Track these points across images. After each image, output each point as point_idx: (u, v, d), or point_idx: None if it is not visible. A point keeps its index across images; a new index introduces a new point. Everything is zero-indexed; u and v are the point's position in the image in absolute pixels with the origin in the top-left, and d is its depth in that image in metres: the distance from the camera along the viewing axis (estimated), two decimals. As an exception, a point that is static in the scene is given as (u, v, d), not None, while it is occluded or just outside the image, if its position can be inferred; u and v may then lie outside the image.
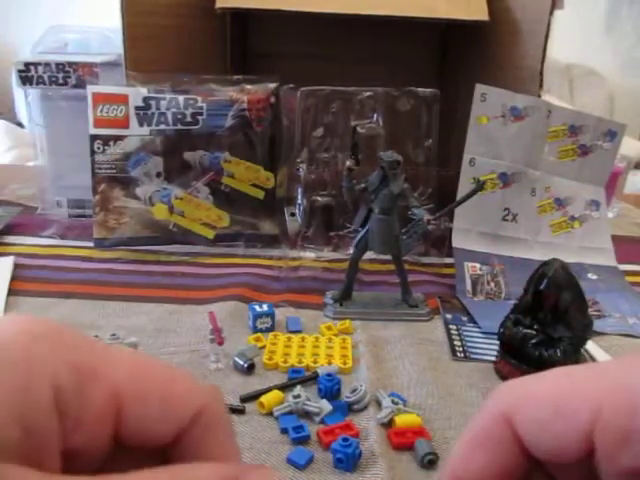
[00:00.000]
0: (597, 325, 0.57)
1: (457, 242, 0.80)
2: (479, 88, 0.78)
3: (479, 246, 0.81)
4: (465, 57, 0.98)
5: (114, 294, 0.70)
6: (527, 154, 0.82)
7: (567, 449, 0.17)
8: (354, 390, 0.51)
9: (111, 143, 0.79)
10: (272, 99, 0.82)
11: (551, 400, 0.18)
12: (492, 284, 0.75)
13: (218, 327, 0.57)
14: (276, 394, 0.51)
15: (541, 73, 0.80)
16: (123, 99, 0.78)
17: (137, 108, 0.79)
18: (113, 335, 0.55)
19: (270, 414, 0.49)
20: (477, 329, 0.66)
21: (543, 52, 0.78)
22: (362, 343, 0.61)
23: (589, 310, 0.56)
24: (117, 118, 0.78)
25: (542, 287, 0.55)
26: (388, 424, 0.49)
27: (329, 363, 0.57)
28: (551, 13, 0.77)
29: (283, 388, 0.52)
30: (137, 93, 0.79)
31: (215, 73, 0.83)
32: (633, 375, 0.17)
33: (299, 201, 0.78)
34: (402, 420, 0.48)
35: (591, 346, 0.61)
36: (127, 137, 0.79)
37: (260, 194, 0.83)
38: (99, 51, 0.91)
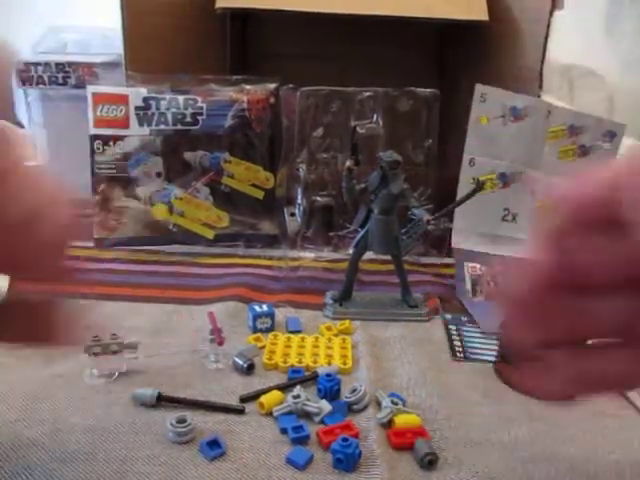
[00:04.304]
0: (597, 325, 0.57)
1: (457, 242, 0.80)
2: (479, 88, 0.78)
3: (479, 246, 0.81)
4: (465, 57, 0.98)
5: (114, 294, 0.70)
6: (527, 154, 0.82)
7: None
8: (354, 390, 0.51)
9: (111, 143, 0.79)
10: (272, 99, 0.82)
11: None
12: (492, 284, 0.75)
13: (218, 327, 0.57)
14: (276, 394, 0.51)
15: (541, 73, 0.80)
16: (123, 99, 0.78)
17: (137, 108, 0.79)
18: (113, 335, 0.55)
19: (270, 414, 0.49)
20: (477, 329, 0.66)
21: (543, 52, 0.79)
22: (362, 343, 0.61)
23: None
24: (117, 118, 0.78)
25: (542, 287, 0.55)
26: (388, 424, 0.49)
27: (329, 363, 0.57)
28: (551, 13, 0.77)
29: (283, 388, 0.52)
30: (137, 93, 0.79)
31: (215, 73, 0.83)
32: None
33: (299, 201, 0.78)
34: (402, 420, 0.48)
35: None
36: (127, 137, 0.79)
37: (260, 194, 0.83)
38: (99, 51, 0.91)
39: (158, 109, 0.79)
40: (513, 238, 0.82)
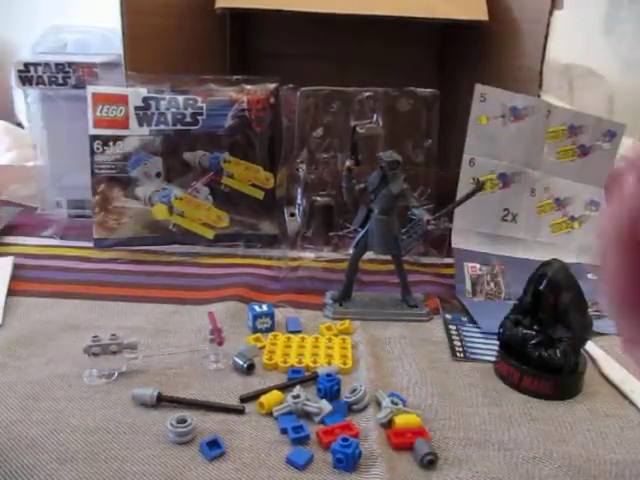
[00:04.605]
0: (597, 325, 0.57)
1: (457, 242, 0.80)
2: (479, 88, 0.78)
3: (479, 246, 0.81)
4: (465, 57, 0.98)
5: (114, 294, 0.70)
6: (527, 154, 0.82)
7: None
8: (354, 390, 0.51)
9: (111, 143, 0.79)
10: (272, 99, 0.82)
11: None
12: (492, 284, 0.75)
13: (218, 327, 0.57)
14: (276, 394, 0.51)
15: (541, 73, 0.80)
16: (123, 99, 0.78)
17: (137, 108, 0.79)
18: (113, 335, 0.55)
19: (270, 414, 0.49)
20: (477, 329, 0.66)
21: (543, 52, 0.79)
22: (362, 343, 0.61)
23: (589, 310, 0.56)
24: (117, 118, 0.78)
25: (542, 287, 0.55)
26: (388, 424, 0.49)
27: (329, 363, 0.57)
28: (551, 13, 0.77)
29: (283, 388, 0.52)
30: (137, 93, 0.79)
31: (215, 73, 0.83)
32: None
33: (299, 201, 0.78)
34: (402, 420, 0.48)
35: (591, 346, 0.61)
36: (127, 137, 0.79)
37: (260, 194, 0.83)
38: (99, 51, 0.91)
39: (158, 109, 0.79)
40: (513, 238, 0.82)
